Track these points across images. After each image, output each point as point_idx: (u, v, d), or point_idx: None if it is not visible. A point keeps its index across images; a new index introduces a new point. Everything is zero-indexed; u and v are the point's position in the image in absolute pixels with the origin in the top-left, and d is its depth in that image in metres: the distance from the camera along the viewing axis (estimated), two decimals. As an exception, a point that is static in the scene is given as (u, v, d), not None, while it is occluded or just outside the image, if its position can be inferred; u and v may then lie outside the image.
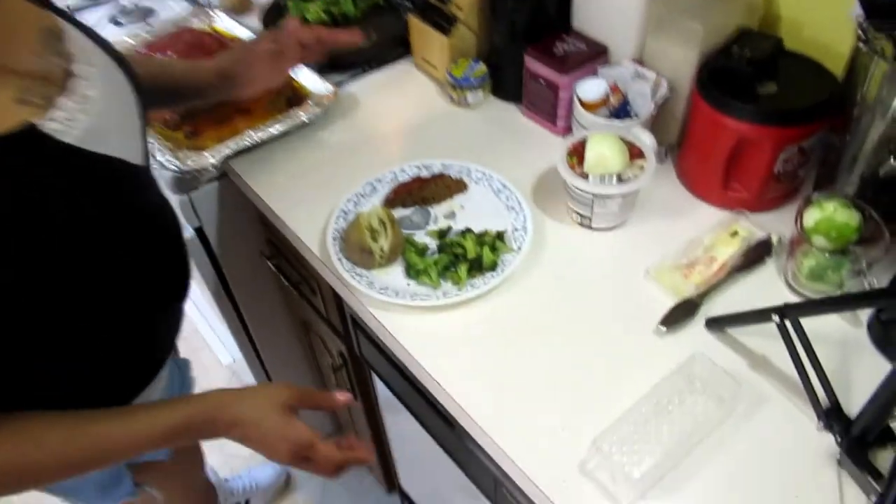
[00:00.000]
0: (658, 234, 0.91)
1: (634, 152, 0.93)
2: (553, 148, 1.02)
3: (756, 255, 0.89)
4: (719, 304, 0.85)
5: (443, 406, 0.79)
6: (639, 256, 0.89)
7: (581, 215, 0.95)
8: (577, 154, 0.94)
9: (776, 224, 0.93)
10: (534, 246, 0.91)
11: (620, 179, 0.90)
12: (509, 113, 1.12)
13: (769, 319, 0.75)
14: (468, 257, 0.90)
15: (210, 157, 1.06)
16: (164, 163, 1.05)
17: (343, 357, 1.21)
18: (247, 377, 1.50)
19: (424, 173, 1.04)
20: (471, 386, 0.75)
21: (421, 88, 1.22)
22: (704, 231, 0.94)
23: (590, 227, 0.96)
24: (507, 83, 1.13)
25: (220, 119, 1.13)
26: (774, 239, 0.92)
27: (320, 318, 1.22)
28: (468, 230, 0.94)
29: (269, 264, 1.16)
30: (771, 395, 0.77)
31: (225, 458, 1.78)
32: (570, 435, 0.74)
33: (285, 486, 1.76)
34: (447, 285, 0.89)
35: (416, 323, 0.85)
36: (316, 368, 1.53)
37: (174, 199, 1.12)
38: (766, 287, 0.87)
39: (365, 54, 1.23)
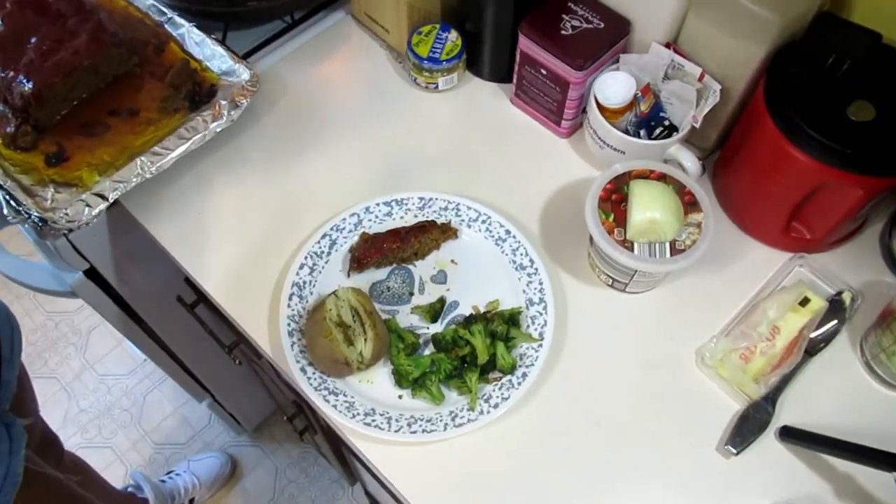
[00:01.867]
0: (705, 289, 0.77)
1: (686, 199, 0.72)
2: (558, 155, 0.84)
3: (829, 328, 0.73)
4: (790, 398, 0.70)
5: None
6: (685, 328, 0.74)
7: (614, 279, 0.74)
8: (611, 206, 0.72)
9: (841, 269, 0.77)
10: (556, 323, 0.73)
11: (674, 246, 0.67)
12: (494, 99, 0.88)
13: (880, 467, 0.58)
14: (479, 361, 0.69)
15: (89, 205, 0.74)
16: (22, 212, 0.72)
17: (298, 406, 0.99)
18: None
19: (399, 215, 0.80)
20: None
21: (368, 59, 0.93)
22: (759, 282, 0.77)
23: (623, 291, 0.76)
24: (488, 57, 0.89)
25: (89, 127, 0.79)
26: (846, 297, 0.72)
27: (273, 381, 0.98)
28: (474, 319, 0.72)
29: (192, 315, 0.88)
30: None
31: (150, 454, 1.58)
32: None
33: (231, 474, 1.59)
34: (452, 397, 0.70)
35: (414, 456, 0.67)
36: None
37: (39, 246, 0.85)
38: (842, 369, 0.72)
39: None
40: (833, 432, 0.65)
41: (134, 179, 0.77)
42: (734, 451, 0.67)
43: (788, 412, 0.69)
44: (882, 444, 0.61)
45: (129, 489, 1.45)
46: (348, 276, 0.77)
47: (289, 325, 0.72)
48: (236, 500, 1.59)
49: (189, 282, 0.82)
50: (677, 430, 0.69)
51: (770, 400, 0.70)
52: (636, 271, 0.71)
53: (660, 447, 0.67)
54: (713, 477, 0.67)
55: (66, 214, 0.74)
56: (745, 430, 0.69)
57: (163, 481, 1.53)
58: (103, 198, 0.75)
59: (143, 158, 0.78)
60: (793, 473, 0.66)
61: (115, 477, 1.61)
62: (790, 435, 0.68)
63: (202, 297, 0.90)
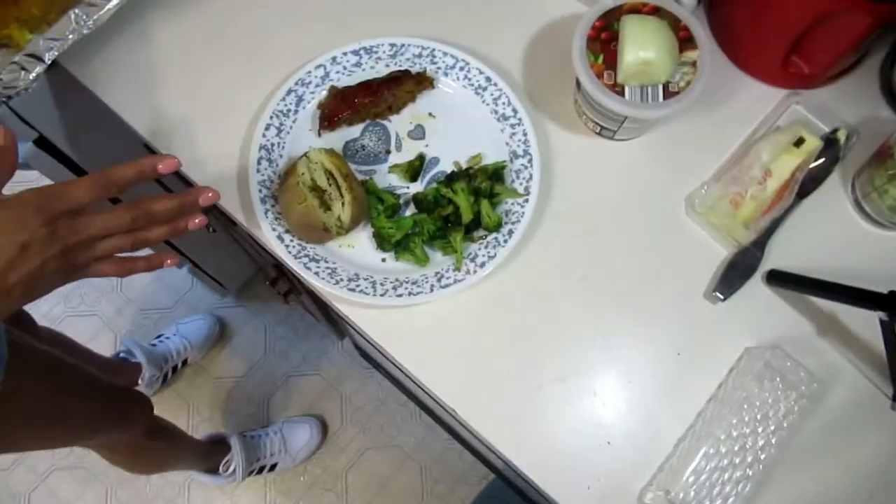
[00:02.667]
0: (695, 133, 0.73)
1: (681, 34, 0.67)
2: None
3: (821, 166, 0.71)
4: (778, 241, 0.69)
5: (440, 402, 0.65)
6: (676, 176, 0.72)
7: (602, 127, 0.71)
8: (600, 46, 0.67)
9: (837, 105, 0.73)
10: (541, 176, 0.69)
11: (667, 89, 0.64)
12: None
13: (866, 307, 0.59)
14: (463, 220, 0.67)
15: (24, 68, 0.67)
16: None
17: (279, 270, 0.98)
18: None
19: (369, 65, 0.74)
20: (474, 385, 0.64)
21: None
22: (753, 123, 0.73)
23: (611, 139, 0.73)
24: None
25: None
26: (842, 135, 0.70)
27: (246, 240, 0.96)
28: (456, 176, 0.69)
29: (156, 182, 0.84)
30: (845, 368, 0.66)
31: (137, 319, 1.60)
32: (614, 454, 0.62)
33: (220, 335, 1.62)
34: (437, 257, 0.69)
35: (401, 319, 0.66)
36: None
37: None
38: (831, 209, 0.71)
39: None
40: (821, 274, 0.65)
41: (70, 36, 0.69)
42: (721, 297, 0.67)
43: (777, 256, 0.69)
44: (869, 283, 0.61)
45: (122, 355, 1.47)
46: (319, 135, 0.72)
47: (260, 191, 0.68)
48: (228, 359, 1.63)
49: (150, 148, 0.76)
50: (666, 280, 0.68)
51: (759, 245, 0.69)
52: (626, 117, 0.67)
53: (648, 297, 0.67)
54: (701, 322, 0.67)
55: (1, 80, 0.67)
56: (733, 275, 0.68)
57: (153, 345, 1.55)
58: (39, 59, 0.68)
59: (77, 11, 0.69)
60: (779, 316, 0.67)
61: (106, 344, 1.62)
62: (777, 278, 0.68)
63: None
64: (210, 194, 0.53)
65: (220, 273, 1.49)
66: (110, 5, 0.71)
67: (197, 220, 0.54)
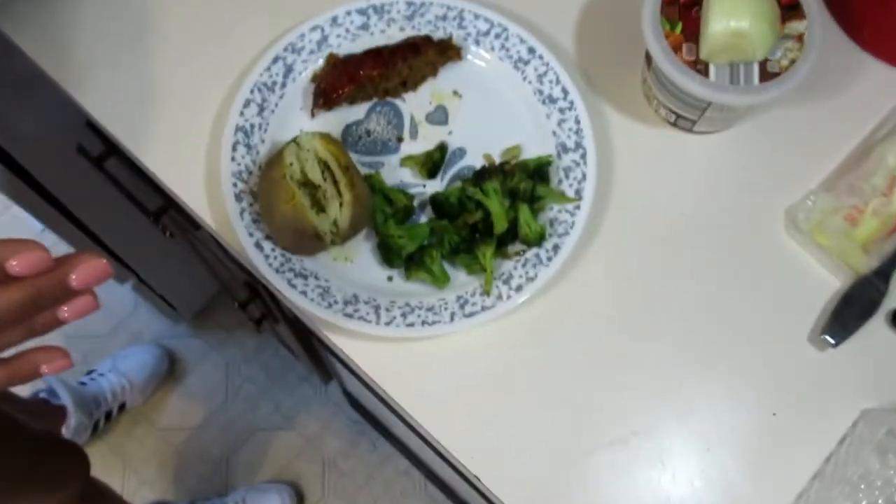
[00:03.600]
0: (800, 127, 0.74)
1: (784, 0, 0.68)
2: None
3: None
4: None
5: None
6: (773, 181, 0.72)
7: (679, 115, 0.73)
8: (678, 11, 0.68)
9: None
10: (598, 176, 0.71)
11: (764, 69, 0.64)
12: None
13: None
14: (495, 230, 0.68)
15: None
16: None
17: (252, 289, 0.98)
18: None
19: (379, 28, 0.76)
20: (503, 446, 0.65)
21: None
22: (876, 117, 0.74)
23: (689, 131, 0.74)
24: None
25: None
26: None
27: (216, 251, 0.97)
28: (487, 173, 0.70)
29: (101, 172, 0.86)
30: None
31: (66, 339, 1.61)
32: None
33: (169, 372, 1.63)
34: (460, 277, 0.69)
35: (410, 354, 0.67)
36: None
37: None
38: None
39: None
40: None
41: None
42: (832, 341, 0.68)
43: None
44: None
45: (41, 395, 1.48)
46: (312, 115, 0.73)
47: (235, 185, 0.69)
48: (178, 405, 1.64)
49: (93, 127, 0.78)
50: (758, 316, 0.68)
51: (882, 275, 0.69)
52: (710, 104, 0.68)
53: (734, 339, 0.67)
54: (804, 374, 0.67)
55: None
56: (848, 314, 0.69)
57: (83, 384, 1.56)
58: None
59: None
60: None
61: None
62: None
63: (112, 148, 0.87)
64: (92, 269, 0.42)
65: (173, 292, 1.50)
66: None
67: (67, 313, 0.43)
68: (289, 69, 0.74)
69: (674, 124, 0.74)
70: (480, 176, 0.70)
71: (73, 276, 0.40)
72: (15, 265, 0.39)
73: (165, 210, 0.88)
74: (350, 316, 0.66)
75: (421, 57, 0.73)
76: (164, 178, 0.72)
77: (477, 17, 0.75)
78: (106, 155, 0.88)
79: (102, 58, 0.76)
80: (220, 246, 0.73)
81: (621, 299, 0.69)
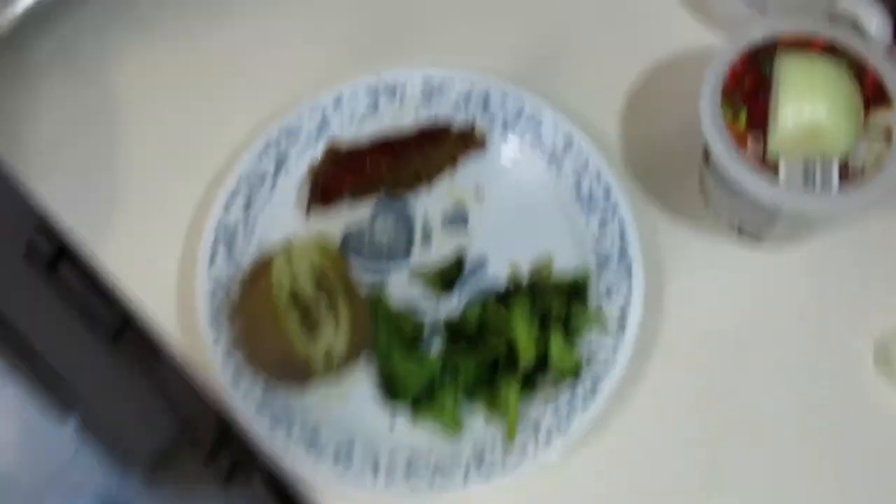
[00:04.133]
0: (890, 241, 0.74)
1: (867, 86, 0.67)
2: (655, 8, 0.82)
3: None
4: None
5: None
6: (859, 307, 0.72)
7: (744, 224, 0.73)
8: (743, 98, 0.68)
9: None
10: (647, 296, 0.71)
11: (846, 168, 0.66)
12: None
13: None
14: (521, 362, 0.67)
15: None
16: None
17: (223, 432, 0.98)
18: None
19: (389, 112, 0.77)
20: None
21: None
22: None
23: (756, 243, 0.75)
24: None
25: None
26: None
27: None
28: (513, 290, 0.70)
29: (50, 278, 0.87)
30: None
31: None
32: None
33: None
34: (477, 422, 0.68)
35: None
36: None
37: None
38: None
39: None
40: None
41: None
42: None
43: None
44: None
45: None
46: (308, 214, 0.73)
47: (213, 294, 0.69)
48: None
49: (45, 225, 0.78)
50: (843, 472, 0.67)
51: None
52: (782, 210, 0.67)
53: (813, 498, 0.67)
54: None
55: None
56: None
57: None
58: None
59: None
60: None
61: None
62: None
63: (64, 250, 0.87)
64: None
65: (123, 435, 1.48)
66: (18, 8, 0.75)
67: None
68: (282, 158, 0.74)
69: (739, 234, 0.74)
70: (505, 294, 0.70)
71: None
72: None
73: (124, 328, 0.88)
74: (343, 470, 0.65)
75: (438, 147, 0.73)
76: (126, 287, 0.72)
77: (505, 98, 0.75)
78: (57, 259, 0.88)
79: (62, 144, 0.77)
80: (187, 376, 0.73)
81: (677, 452, 0.68)
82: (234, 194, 0.72)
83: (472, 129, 0.75)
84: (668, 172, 0.76)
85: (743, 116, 0.67)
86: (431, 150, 0.73)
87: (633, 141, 0.77)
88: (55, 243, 0.87)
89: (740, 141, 0.67)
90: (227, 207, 0.72)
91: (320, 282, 0.67)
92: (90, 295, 0.92)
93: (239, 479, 1.13)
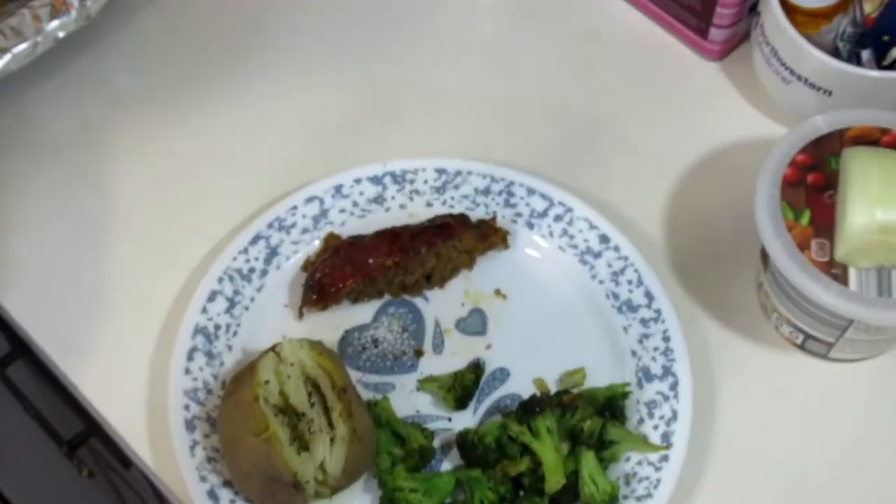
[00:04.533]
0: None
1: None
2: (702, 93, 0.87)
3: None
4: None
5: None
6: None
7: (808, 336, 0.73)
8: (806, 195, 0.70)
9: None
10: (695, 416, 0.71)
11: None
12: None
13: None
14: (547, 487, 0.68)
15: None
16: None
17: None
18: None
19: (397, 202, 0.80)
20: None
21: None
22: None
23: (824, 357, 0.75)
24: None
25: None
26: None
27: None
28: (538, 405, 0.70)
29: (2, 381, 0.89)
30: None
31: None
32: None
33: None
34: None
35: None
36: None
37: None
38: None
39: None
40: None
41: None
42: None
43: None
44: None
45: None
46: (301, 316, 0.75)
47: (187, 407, 0.69)
48: None
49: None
50: None
51: None
52: (852, 321, 0.68)
53: None
54: None
55: None
56: None
57: None
58: None
59: None
60: None
61: None
62: None
63: (21, 348, 0.89)
64: None
65: None
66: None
67: None
68: (273, 252, 0.76)
69: (802, 347, 0.74)
70: (528, 409, 0.69)
71: None
72: None
73: (85, 439, 0.89)
74: None
75: (453, 242, 0.75)
76: (89, 392, 0.73)
77: (531, 192, 0.77)
78: (11, 358, 0.90)
79: (16, 228, 0.80)
80: (156, 494, 0.74)
81: None
82: (214, 294, 0.74)
83: (493, 223, 0.76)
84: (720, 277, 0.77)
85: (806, 216, 0.69)
86: (445, 245, 0.75)
87: (680, 242, 0.78)
88: (8, 340, 0.88)
89: (804, 245, 0.68)
90: (204, 309, 0.73)
91: (314, 389, 0.67)
92: (46, 400, 0.93)
93: None
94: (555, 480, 0.67)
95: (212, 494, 0.67)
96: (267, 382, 0.67)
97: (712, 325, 0.76)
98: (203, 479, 0.68)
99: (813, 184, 0.70)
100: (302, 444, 0.66)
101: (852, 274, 0.67)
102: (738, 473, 0.71)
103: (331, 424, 0.67)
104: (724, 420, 0.73)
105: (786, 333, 0.75)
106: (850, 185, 0.68)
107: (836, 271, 0.67)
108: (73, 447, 0.87)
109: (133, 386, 0.73)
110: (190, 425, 0.69)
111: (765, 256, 0.71)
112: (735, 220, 0.74)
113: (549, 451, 0.68)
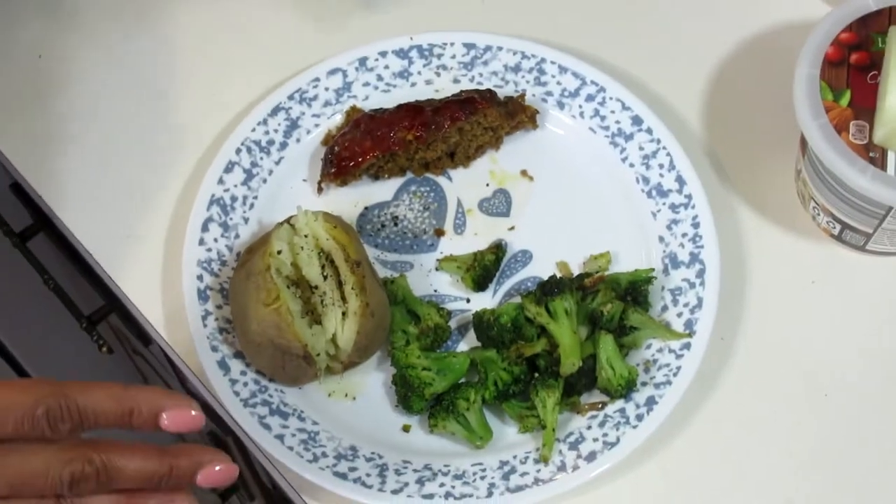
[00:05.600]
0: None
1: None
2: None
3: None
4: None
5: None
6: None
7: (845, 225, 0.74)
8: (847, 76, 0.70)
9: None
10: (721, 303, 0.72)
11: None
12: None
13: None
14: (563, 369, 0.69)
15: None
16: None
17: (218, 443, 1.01)
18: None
19: (423, 77, 0.81)
20: None
21: None
22: None
23: (861, 248, 0.76)
24: None
25: None
26: None
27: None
28: (558, 287, 0.71)
29: (21, 252, 0.91)
30: None
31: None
32: None
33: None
34: (506, 433, 0.71)
35: None
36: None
37: None
38: None
39: None
40: None
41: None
42: None
43: None
44: None
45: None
46: (320, 190, 0.77)
47: (200, 277, 0.72)
48: None
49: (19, 189, 0.83)
50: None
51: None
52: (891, 208, 0.69)
53: None
54: None
55: None
56: None
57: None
58: None
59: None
60: None
61: None
62: None
63: (43, 221, 0.91)
64: (223, 474, 0.54)
65: None
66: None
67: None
68: (293, 125, 0.78)
69: (838, 238, 0.75)
70: (548, 290, 0.71)
71: (200, 476, 0.53)
72: (165, 419, 0.52)
73: (105, 315, 0.91)
74: (343, 476, 0.66)
75: (477, 118, 0.76)
76: (107, 265, 0.76)
77: (563, 70, 0.78)
78: (33, 231, 0.92)
79: (32, 92, 0.83)
80: (172, 367, 0.75)
81: (749, 486, 0.69)
82: (232, 164, 0.76)
83: (521, 100, 0.78)
84: (757, 165, 0.78)
85: (846, 97, 0.70)
86: (470, 121, 0.76)
87: (717, 127, 0.79)
88: (30, 212, 0.91)
89: (841, 126, 0.69)
90: (221, 180, 0.76)
91: (328, 262, 0.70)
92: (68, 274, 0.96)
93: (238, 498, 1.13)
94: (570, 363, 0.69)
95: (223, 364, 0.70)
96: (279, 253, 0.69)
97: (747, 214, 0.76)
98: (214, 349, 0.71)
99: (856, 63, 0.70)
100: (314, 317, 0.69)
101: (891, 158, 0.68)
102: (762, 365, 0.72)
103: (343, 298, 0.69)
104: (753, 311, 0.74)
105: (822, 223, 0.76)
106: (894, 65, 0.68)
107: (874, 154, 0.67)
108: (93, 322, 0.89)
109: (149, 258, 0.76)
110: (203, 295, 0.72)
111: (803, 142, 0.72)
112: (777, 106, 0.75)
113: (567, 333, 0.69)
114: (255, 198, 0.77)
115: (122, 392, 0.52)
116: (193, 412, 0.52)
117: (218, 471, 0.53)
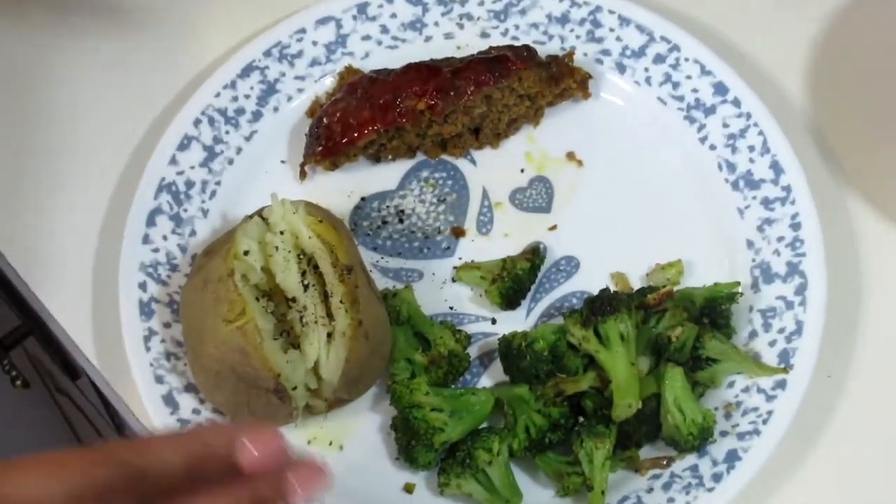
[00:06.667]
0: None
1: None
2: None
3: None
4: None
5: None
6: None
7: None
8: None
9: None
10: (828, 327, 0.71)
11: None
12: None
13: None
14: (615, 413, 0.68)
15: None
16: None
17: None
18: None
19: (441, 31, 0.80)
20: None
21: None
22: None
23: None
24: None
25: None
26: None
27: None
28: (612, 304, 0.70)
29: None
30: None
31: None
32: None
33: None
34: (539, 494, 0.70)
35: None
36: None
37: None
38: None
39: None
40: None
41: None
42: None
43: None
44: None
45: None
46: (303, 175, 0.76)
47: (143, 285, 0.71)
48: None
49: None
50: None
51: None
52: None
53: None
54: None
55: None
56: None
57: None
58: None
59: None
60: None
61: None
62: None
63: None
64: (313, 476, 0.57)
65: None
66: None
67: None
68: (269, 89, 0.77)
69: None
70: (598, 308, 0.70)
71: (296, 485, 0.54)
72: (247, 455, 0.53)
73: (20, 338, 0.91)
74: None
75: (510, 83, 0.75)
76: (21, 271, 0.75)
77: (625, 22, 0.77)
78: None
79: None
80: (105, 405, 0.75)
81: None
82: (188, 140, 0.75)
83: (569, 60, 0.76)
84: (876, 147, 0.77)
85: None
86: (499, 87, 0.75)
87: (825, 98, 0.78)
88: None
89: None
90: (174, 159, 0.75)
91: (309, 267, 0.68)
92: None
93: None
94: (626, 404, 0.68)
95: (169, 400, 0.69)
96: (247, 254, 0.67)
97: (863, 213, 0.76)
98: (159, 379, 0.70)
99: None
100: (290, 338, 0.68)
101: None
102: (880, 412, 0.72)
103: (329, 314, 0.67)
104: (871, 338, 0.73)
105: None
106: None
107: None
108: (4, 348, 0.89)
109: (78, 261, 0.75)
110: (146, 310, 0.71)
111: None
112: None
113: (622, 364, 0.68)
114: (218, 183, 0.76)
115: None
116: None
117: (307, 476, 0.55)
